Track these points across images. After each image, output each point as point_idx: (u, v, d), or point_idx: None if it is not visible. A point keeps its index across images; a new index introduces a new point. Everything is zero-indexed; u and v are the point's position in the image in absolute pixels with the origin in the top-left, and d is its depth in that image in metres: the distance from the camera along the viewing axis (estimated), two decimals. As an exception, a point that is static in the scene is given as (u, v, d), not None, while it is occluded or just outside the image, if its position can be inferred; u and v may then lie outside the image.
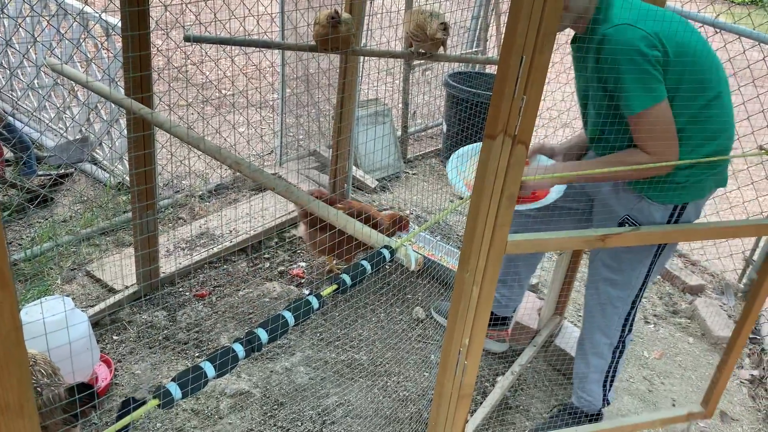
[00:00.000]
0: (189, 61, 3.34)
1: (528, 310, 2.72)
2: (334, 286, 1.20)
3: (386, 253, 1.29)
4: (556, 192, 1.96)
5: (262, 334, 1.05)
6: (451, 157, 2.07)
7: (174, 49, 3.92)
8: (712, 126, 1.75)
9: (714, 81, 1.73)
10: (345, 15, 2.37)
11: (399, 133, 4.35)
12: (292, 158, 3.83)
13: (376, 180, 3.90)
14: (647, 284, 2.00)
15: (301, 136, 4.02)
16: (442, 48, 2.43)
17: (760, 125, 3.28)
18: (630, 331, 2.09)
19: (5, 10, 3.69)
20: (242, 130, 4.04)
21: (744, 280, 3.34)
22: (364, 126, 4.00)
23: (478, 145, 2.10)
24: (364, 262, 1.26)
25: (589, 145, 2.04)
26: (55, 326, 2.00)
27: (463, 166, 2.05)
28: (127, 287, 2.64)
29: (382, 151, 4.08)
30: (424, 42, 2.36)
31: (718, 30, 3.30)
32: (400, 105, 4.35)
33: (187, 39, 2.31)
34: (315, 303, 1.15)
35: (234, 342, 1.03)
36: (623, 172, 1.74)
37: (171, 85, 3.58)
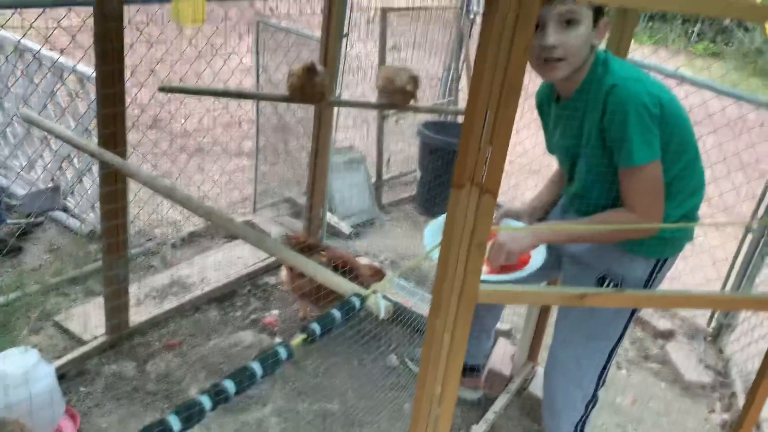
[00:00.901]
0: (164, 109, 3.37)
1: (501, 356, 2.73)
2: (304, 336, 1.20)
3: (356, 301, 1.30)
4: (540, 255, 1.92)
5: (230, 386, 1.05)
6: (427, 227, 2.06)
7: (149, 99, 3.95)
8: (694, 183, 1.80)
9: (693, 141, 1.80)
10: (320, 67, 2.43)
11: (374, 180, 4.39)
12: (266, 205, 3.84)
13: (351, 226, 3.92)
14: (626, 334, 1.98)
15: (275, 184, 4.04)
16: (412, 100, 2.49)
17: (719, 174, 3.40)
18: (604, 383, 2.06)
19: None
20: (217, 177, 4.05)
21: (713, 324, 3.39)
22: (339, 173, 4.03)
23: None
24: (335, 311, 1.26)
25: (571, 202, 2.02)
26: (19, 380, 1.95)
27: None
28: (95, 338, 2.59)
29: (356, 198, 4.11)
30: (394, 94, 2.41)
31: (679, 81, 3.44)
32: (375, 153, 4.40)
33: (162, 89, 2.34)
34: (283, 353, 1.15)
35: (201, 394, 1.02)
36: (608, 233, 1.75)
37: (146, 134, 3.60)
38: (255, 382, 1.08)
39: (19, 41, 3.32)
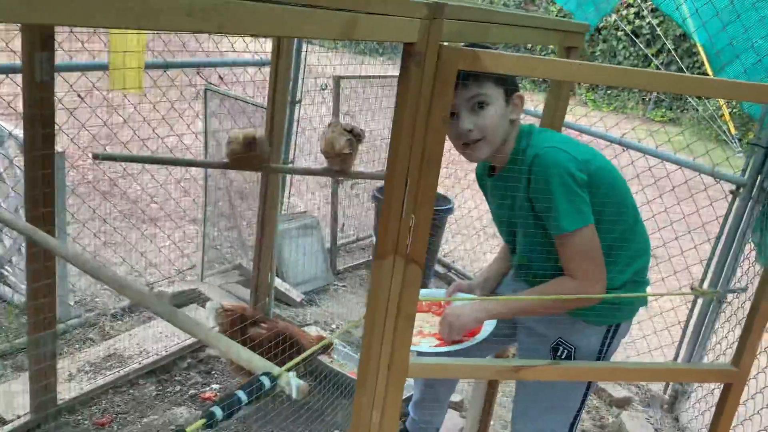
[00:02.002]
0: (106, 176, 3.30)
1: (449, 430, 2.62)
2: (202, 421, 1.11)
3: (266, 380, 1.22)
4: (489, 325, 1.90)
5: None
6: None
7: (93, 164, 3.89)
8: (635, 247, 1.79)
9: (631, 205, 1.80)
10: (259, 135, 2.40)
11: (328, 245, 4.34)
12: (214, 272, 3.75)
13: (303, 293, 3.83)
14: (585, 403, 1.93)
15: (227, 250, 3.96)
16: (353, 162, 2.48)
17: (668, 237, 3.42)
18: None
19: None
20: (164, 244, 3.95)
21: (669, 392, 3.34)
22: (292, 239, 3.97)
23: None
24: (240, 392, 1.18)
25: (517, 272, 2.01)
26: None
27: None
28: (18, 417, 2.43)
29: (309, 264, 4.03)
30: (334, 158, 2.40)
31: (624, 149, 3.50)
32: (329, 217, 4.37)
33: (95, 157, 2.28)
34: (178, 442, 1.06)
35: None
36: (556, 303, 1.72)
37: (85, 201, 3.51)
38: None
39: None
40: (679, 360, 3.29)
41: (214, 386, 2.83)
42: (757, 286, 1.50)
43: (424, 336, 1.95)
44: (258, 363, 1.28)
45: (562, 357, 1.85)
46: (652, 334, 3.52)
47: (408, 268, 1.44)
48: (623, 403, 3.24)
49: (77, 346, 3.00)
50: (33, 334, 2.28)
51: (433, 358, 1.75)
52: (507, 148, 1.77)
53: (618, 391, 3.29)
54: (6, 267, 3.39)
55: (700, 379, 2.75)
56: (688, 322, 3.29)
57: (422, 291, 2.12)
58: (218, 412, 1.13)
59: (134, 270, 3.64)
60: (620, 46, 12.55)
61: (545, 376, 1.62)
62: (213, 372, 2.93)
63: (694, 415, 3.11)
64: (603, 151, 3.75)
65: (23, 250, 3.28)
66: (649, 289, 1.89)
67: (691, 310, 3.26)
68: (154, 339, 3.01)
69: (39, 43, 1.99)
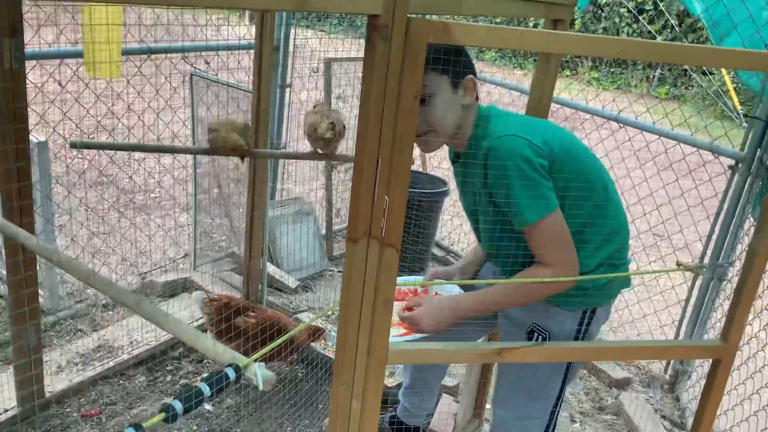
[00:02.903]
0: (90, 164, 3.25)
1: (443, 415, 2.59)
2: (162, 415, 1.07)
3: (230, 372, 1.18)
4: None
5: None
6: None
7: (79, 154, 3.84)
8: (607, 228, 1.72)
9: (600, 184, 1.73)
10: (219, 120, 2.34)
11: (323, 231, 4.29)
12: (207, 261, 3.71)
13: (298, 280, 3.79)
14: (564, 390, 1.89)
15: (221, 239, 3.92)
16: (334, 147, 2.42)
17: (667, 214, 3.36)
18: None
19: None
20: (155, 233, 3.91)
21: (669, 371, 3.29)
22: (286, 225, 3.93)
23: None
24: (202, 384, 1.14)
25: (488, 259, 1.98)
26: None
27: None
28: (5, 410, 2.40)
29: (304, 251, 3.99)
30: (317, 141, 2.34)
31: (622, 125, 3.42)
32: (325, 203, 4.31)
33: (73, 145, 2.23)
34: (135, 437, 1.02)
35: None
36: (531, 293, 1.67)
37: (71, 192, 3.47)
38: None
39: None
40: (682, 334, 3.24)
41: (206, 375, 2.80)
42: (744, 260, 1.44)
43: (394, 325, 1.91)
44: (224, 355, 1.24)
45: (537, 342, 1.80)
46: (652, 314, 3.47)
47: (384, 251, 1.38)
48: (623, 384, 3.19)
49: (67, 337, 2.97)
50: (16, 326, 2.25)
51: (413, 344, 1.70)
52: (464, 134, 1.71)
53: (617, 372, 3.24)
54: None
55: (687, 355, 2.71)
56: (688, 300, 3.24)
57: (398, 278, 2.09)
58: (178, 405, 1.09)
59: (126, 260, 3.61)
60: (623, 24, 12.38)
61: (528, 357, 1.57)
62: (205, 361, 2.90)
63: (695, 394, 3.06)
64: (599, 129, 3.69)
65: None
66: (632, 267, 1.83)
67: (691, 289, 3.20)
68: (145, 329, 2.98)
69: (7, 29, 1.93)
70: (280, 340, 1.37)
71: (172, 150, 2.72)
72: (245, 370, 1.19)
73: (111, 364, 2.72)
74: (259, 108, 2.84)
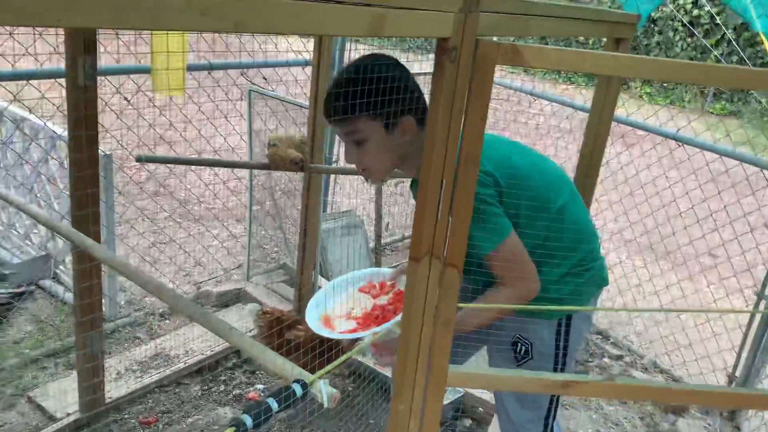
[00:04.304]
0: (154, 177, 3.35)
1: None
2: (233, 429, 1.09)
3: (297, 388, 1.19)
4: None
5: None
6: (328, 284, 2.01)
7: (141, 167, 3.96)
8: (567, 239, 1.72)
9: (552, 196, 1.72)
10: (278, 135, 2.40)
11: (373, 244, 4.31)
12: (260, 272, 3.76)
13: (348, 294, 3.81)
14: (556, 402, 1.89)
15: (274, 250, 3.98)
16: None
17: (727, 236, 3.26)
18: None
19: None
20: (211, 244, 4.00)
21: (729, 398, 3.17)
22: (336, 238, 3.96)
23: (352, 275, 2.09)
24: (270, 400, 1.16)
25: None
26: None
27: (334, 296, 2.02)
28: (68, 415, 2.48)
29: (354, 263, 4.01)
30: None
31: (680, 144, 3.35)
32: (374, 216, 4.34)
33: (138, 159, 2.31)
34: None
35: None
36: (495, 315, 1.70)
37: (133, 203, 3.58)
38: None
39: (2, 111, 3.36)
40: (739, 369, 3.13)
41: (259, 386, 2.84)
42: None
43: (349, 318, 1.92)
44: (290, 370, 1.26)
45: (521, 352, 1.82)
46: (710, 338, 3.37)
47: (446, 271, 1.38)
48: (679, 410, 3.10)
49: (126, 344, 3.06)
50: (80, 334, 2.32)
51: (477, 368, 1.69)
52: (414, 163, 1.70)
53: (674, 397, 3.14)
54: (60, 267, 3.49)
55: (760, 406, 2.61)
56: (749, 326, 3.13)
57: (366, 270, 2.10)
58: (248, 420, 1.10)
59: (182, 269, 3.69)
60: (677, 38, 12.12)
61: (596, 393, 1.55)
62: (257, 372, 2.94)
63: (757, 424, 2.95)
64: (657, 146, 3.62)
65: (75, 250, 3.36)
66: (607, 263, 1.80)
67: (752, 317, 3.09)
68: (200, 338, 3.04)
69: (82, 48, 2.01)
70: (344, 357, 1.38)
71: (232, 165, 2.78)
72: (311, 387, 1.20)
73: (167, 372, 2.78)
74: (315, 123, 2.88)
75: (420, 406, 1.49)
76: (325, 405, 1.20)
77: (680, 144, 3.32)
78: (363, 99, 1.60)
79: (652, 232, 3.83)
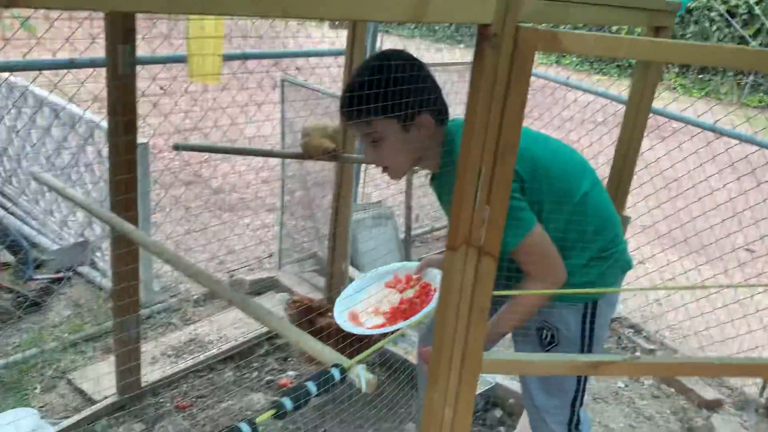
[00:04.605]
0: (190, 165, 3.40)
1: (527, 427, 2.54)
2: (272, 411, 1.11)
3: (336, 373, 1.20)
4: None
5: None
6: (355, 280, 2.05)
7: (176, 156, 4.02)
8: (591, 226, 1.72)
9: (575, 184, 1.71)
10: (312, 125, 2.41)
11: (402, 235, 4.32)
12: (291, 261, 3.80)
13: (377, 284, 3.82)
14: (582, 386, 1.89)
15: (305, 240, 4.01)
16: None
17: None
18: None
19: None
20: (242, 233, 4.04)
21: (765, 395, 3.12)
22: (366, 229, 3.98)
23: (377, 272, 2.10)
24: (309, 383, 1.17)
25: None
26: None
27: (362, 291, 2.03)
28: (106, 398, 2.54)
29: (383, 255, 4.02)
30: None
31: (718, 135, 3.29)
32: (404, 207, 4.34)
33: (175, 148, 2.34)
34: (247, 431, 1.06)
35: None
36: (531, 306, 1.71)
37: (168, 191, 3.63)
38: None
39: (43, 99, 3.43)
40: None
41: (290, 373, 2.87)
42: None
43: (376, 313, 1.93)
44: (328, 355, 1.27)
45: (547, 339, 1.83)
46: (746, 334, 3.31)
47: (482, 260, 1.38)
48: (714, 406, 3.05)
49: (160, 330, 3.12)
50: (117, 318, 2.37)
51: (507, 354, 1.69)
52: (432, 159, 1.71)
53: (708, 393, 3.10)
54: (97, 253, 3.56)
55: None
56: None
57: (392, 265, 2.11)
58: (288, 403, 1.12)
59: (215, 257, 3.74)
60: (714, 28, 11.85)
61: (626, 372, 1.54)
62: (289, 359, 2.97)
63: (794, 421, 2.89)
64: (693, 138, 3.56)
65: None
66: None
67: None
68: (233, 325, 3.09)
69: (121, 37, 2.05)
70: (380, 344, 1.39)
71: (265, 153, 2.80)
72: (349, 372, 1.21)
73: (201, 358, 2.83)
74: (348, 113, 2.88)
75: (454, 395, 1.49)
76: (363, 390, 1.21)
77: (718, 135, 3.26)
78: (379, 99, 1.62)
79: (687, 225, 3.78)
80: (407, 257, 4.27)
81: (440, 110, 1.70)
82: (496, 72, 1.22)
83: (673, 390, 3.17)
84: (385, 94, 1.57)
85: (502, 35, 1.20)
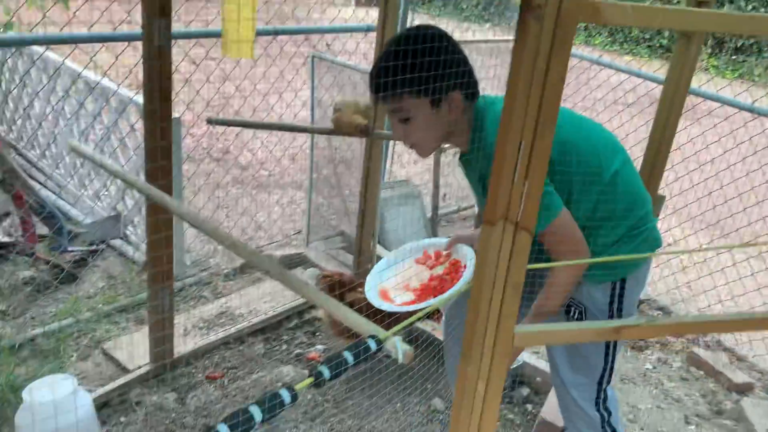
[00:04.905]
0: (220, 142, 3.43)
1: (554, 405, 2.55)
2: (310, 379, 1.13)
3: (372, 343, 1.22)
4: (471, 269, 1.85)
5: (223, 430, 0.98)
6: (384, 258, 2.04)
7: (207, 132, 4.05)
8: (621, 202, 1.71)
9: (605, 163, 1.69)
10: (344, 100, 2.41)
11: (429, 214, 4.32)
12: (319, 238, 3.82)
13: (404, 262, 3.83)
14: (610, 364, 1.88)
15: (332, 217, 4.03)
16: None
17: None
18: (610, 414, 1.94)
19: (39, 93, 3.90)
20: (272, 210, 4.07)
21: (796, 379, 3.08)
22: (393, 207, 3.98)
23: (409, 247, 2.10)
24: (347, 353, 1.19)
25: None
26: (56, 408, 1.96)
27: (392, 267, 2.03)
28: (139, 367, 2.60)
29: (410, 233, 4.03)
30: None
31: (756, 115, 3.22)
32: (431, 186, 4.33)
33: (209, 122, 2.36)
34: (287, 397, 1.08)
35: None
36: (564, 288, 1.73)
37: (200, 165, 3.67)
38: (252, 426, 1.01)
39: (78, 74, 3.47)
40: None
41: (319, 347, 2.91)
42: None
43: (407, 290, 1.93)
44: (365, 326, 1.28)
45: (574, 316, 1.83)
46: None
47: (518, 234, 1.38)
48: (744, 389, 3.03)
49: (192, 303, 3.17)
50: (152, 286, 2.41)
51: (536, 326, 1.70)
52: (462, 136, 1.70)
53: (738, 376, 3.07)
54: (129, 227, 3.62)
55: None
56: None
57: (422, 241, 2.11)
58: (326, 371, 1.13)
59: (244, 233, 3.78)
60: (749, 8, 11.56)
61: (647, 334, 1.54)
62: (318, 333, 3.01)
63: (826, 406, 2.85)
64: (729, 119, 3.49)
65: (144, 210, 3.48)
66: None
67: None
68: (263, 299, 3.13)
69: (157, 11, 2.06)
70: (413, 318, 1.40)
71: (297, 129, 2.81)
72: (385, 343, 1.23)
73: (232, 330, 2.87)
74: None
75: (487, 369, 1.50)
76: (400, 360, 1.22)
77: (755, 116, 3.19)
78: (409, 75, 1.59)
79: (720, 207, 3.72)
80: (434, 236, 4.27)
81: (471, 87, 1.67)
82: (538, 45, 1.22)
83: (702, 373, 3.14)
84: (415, 70, 1.55)
85: (546, 6, 1.19)
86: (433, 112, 1.64)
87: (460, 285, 1.90)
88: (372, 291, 1.96)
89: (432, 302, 1.88)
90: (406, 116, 1.64)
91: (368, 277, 2.02)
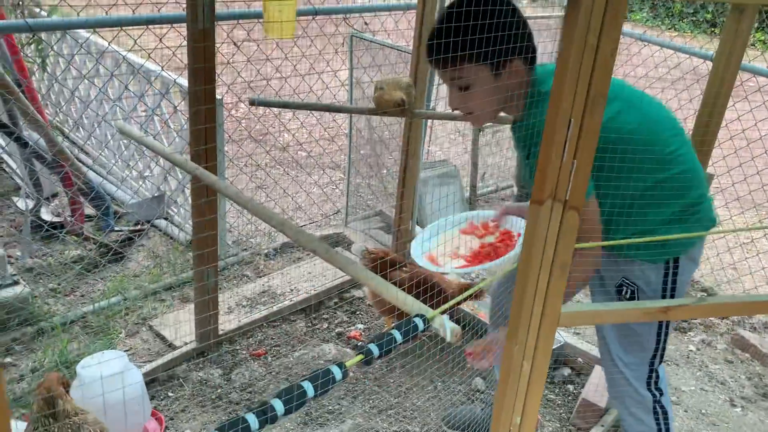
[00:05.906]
0: (260, 123, 3.45)
1: (596, 386, 2.54)
2: (360, 356, 1.14)
3: (419, 322, 1.23)
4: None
5: (278, 406, 1.00)
6: (426, 227, 2.03)
7: (246, 113, 4.08)
8: (678, 180, 1.67)
9: (662, 146, 1.65)
10: (385, 79, 2.40)
11: (468, 194, 4.30)
12: (357, 218, 3.84)
13: (443, 242, 3.83)
14: (662, 344, 1.86)
15: (371, 197, 4.04)
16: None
17: None
18: (662, 394, 1.92)
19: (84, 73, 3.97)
20: (312, 190, 4.11)
21: None
22: (432, 187, 3.97)
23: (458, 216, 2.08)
24: (395, 331, 1.20)
25: None
26: (109, 383, 2.03)
27: (435, 237, 2.02)
28: (186, 344, 2.66)
29: (448, 213, 4.01)
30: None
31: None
32: (470, 166, 4.30)
33: (252, 102, 2.38)
34: (338, 374, 1.10)
35: (247, 413, 0.98)
36: (589, 262, 1.68)
37: (241, 146, 3.71)
38: (305, 401, 1.04)
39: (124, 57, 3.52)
40: None
41: (359, 326, 2.94)
42: None
43: (455, 257, 1.91)
44: (412, 305, 1.29)
45: (626, 296, 1.80)
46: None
47: (566, 214, 1.37)
48: (791, 372, 2.97)
49: (235, 282, 3.22)
50: (198, 267, 2.46)
51: (583, 305, 1.69)
52: (517, 105, 1.65)
53: (785, 359, 3.01)
54: (172, 207, 3.69)
55: None
56: None
57: (466, 213, 2.09)
58: (375, 349, 1.15)
59: (284, 212, 3.82)
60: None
61: (691, 314, 1.52)
62: (358, 312, 3.04)
63: None
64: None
65: (188, 191, 3.54)
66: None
67: None
68: (304, 278, 3.17)
69: (202, -8, 2.08)
70: (462, 297, 1.41)
71: (337, 109, 2.82)
72: (433, 322, 1.23)
73: (274, 309, 2.92)
74: (418, 69, 2.86)
75: (533, 348, 1.50)
76: (448, 339, 1.23)
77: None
78: (469, 41, 1.53)
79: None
80: (472, 216, 4.25)
81: (531, 55, 1.63)
82: (589, 20, 1.19)
83: (747, 355, 3.09)
84: (476, 39, 1.50)
85: (599, -20, 1.16)
86: (492, 80, 1.59)
87: (518, 249, 1.88)
88: (419, 257, 1.95)
89: (493, 264, 1.87)
90: (465, 83, 1.61)
91: (412, 244, 2.02)
